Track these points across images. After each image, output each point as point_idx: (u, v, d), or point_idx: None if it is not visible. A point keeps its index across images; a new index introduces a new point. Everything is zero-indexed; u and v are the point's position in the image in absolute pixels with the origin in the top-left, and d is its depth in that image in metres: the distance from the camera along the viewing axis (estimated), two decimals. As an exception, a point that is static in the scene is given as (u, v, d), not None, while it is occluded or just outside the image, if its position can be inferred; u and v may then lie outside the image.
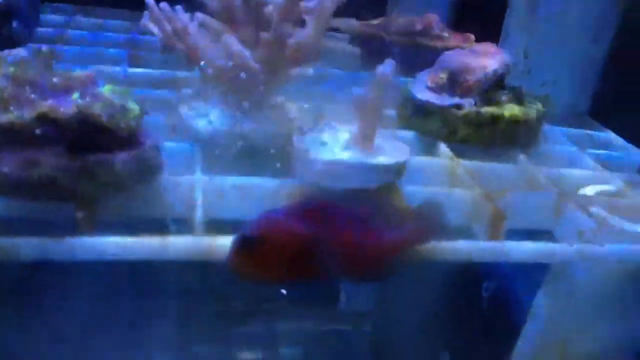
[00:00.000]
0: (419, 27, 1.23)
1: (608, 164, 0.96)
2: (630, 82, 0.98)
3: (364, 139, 0.78)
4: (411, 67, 1.03)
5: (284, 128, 0.82)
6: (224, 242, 0.67)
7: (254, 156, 0.81)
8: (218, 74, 0.81)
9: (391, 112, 0.98)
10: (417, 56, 1.21)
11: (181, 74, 1.08)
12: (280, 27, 0.77)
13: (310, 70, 0.81)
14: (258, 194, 0.76)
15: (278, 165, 0.80)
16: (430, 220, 0.71)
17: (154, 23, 0.84)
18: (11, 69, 0.64)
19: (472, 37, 1.26)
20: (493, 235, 0.76)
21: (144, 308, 0.97)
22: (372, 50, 1.19)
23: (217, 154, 0.81)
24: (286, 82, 0.82)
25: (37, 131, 0.61)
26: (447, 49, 1.20)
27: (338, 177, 0.75)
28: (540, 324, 0.93)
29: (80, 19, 1.33)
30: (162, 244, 0.68)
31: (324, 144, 0.78)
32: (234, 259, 0.62)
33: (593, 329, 0.89)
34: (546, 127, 1.03)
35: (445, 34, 1.25)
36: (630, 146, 1.06)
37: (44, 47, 0.71)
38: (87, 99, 0.65)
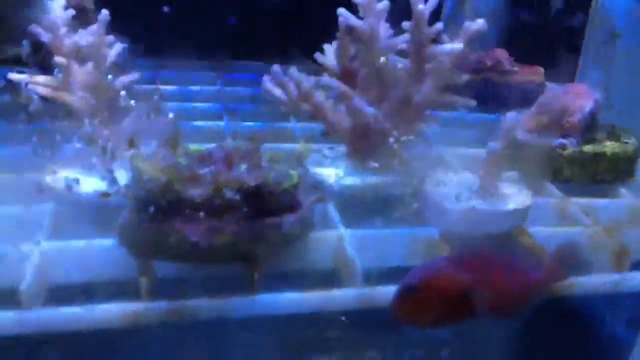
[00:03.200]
0: (489, 63, 1.30)
1: None
2: None
3: (491, 185, 0.84)
4: (485, 103, 1.09)
5: (410, 178, 0.87)
6: (384, 292, 0.73)
7: (385, 207, 0.87)
8: (346, 132, 0.88)
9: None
10: (489, 91, 1.28)
11: (278, 125, 1.14)
12: (410, 86, 0.83)
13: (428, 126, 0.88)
14: (399, 242, 0.82)
15: (409, 214, 0.85)
16: (569, 260, 0.77)
17: (279, 86, 0.90)
18: (188, 148, 0.70)
19: (541, 69, 1.32)
20: (619, 268, 0.81)
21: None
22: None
23: (350, 206, 0.86)
24: (409, 136, 0.88)
25: (228, 199, 0.67)
26: (518, 83, 1.27)
27: (473, 223, 0.81)
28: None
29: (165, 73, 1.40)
30: (328, 297, 0.73)
31: (452, 192, 0.84)
32: (398, 306, 0.67)
33: None
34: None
35: (515, 68, 1.31)
36: None
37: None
38: (257, 170, 0.71)
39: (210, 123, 1.11)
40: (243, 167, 0.72)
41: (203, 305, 0.70)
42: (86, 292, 0.72)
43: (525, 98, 1.31)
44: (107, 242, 0.72)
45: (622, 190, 0.97)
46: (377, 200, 0.87)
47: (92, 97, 0.82)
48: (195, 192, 0.67)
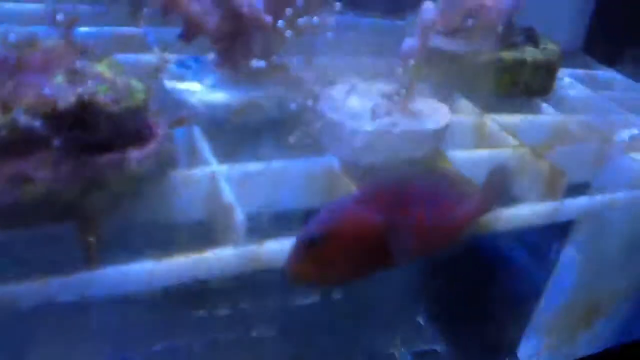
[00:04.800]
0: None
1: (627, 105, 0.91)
2: (621, 18, 0.93)
3: (402, 100, 0.66)
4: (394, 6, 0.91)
5: (297, 93, 0.67)
6: (274, 248, 0.54)
7: (268, 130, 0.66)
8: (212, 31, 0.65)
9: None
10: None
11: (125, 30, 0.88)
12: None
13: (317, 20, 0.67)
14: (290, 179, 0.62)
15: (299, 140, 0.66)
16: (500, 188, 0.62)
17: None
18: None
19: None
20: (553, 195, 0.68)
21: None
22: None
23: (222, 132, 0.65)
24: (296, 37, 0.67)
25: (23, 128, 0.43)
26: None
27: (382, 150, 0.63)
28: (572, 274, 0.89)
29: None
30: (199, 262, 0.53)
31: (354, 110, 0.65)
32: (297, 264, 0.50)
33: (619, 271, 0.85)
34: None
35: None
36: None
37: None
38: (83, 81, 0.47)
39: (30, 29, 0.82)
40: (59, 78, 0.48)
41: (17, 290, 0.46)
42: None
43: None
44: None
45: (543, 105, 0.84)
46: (257, 122, 0.66)
47: None
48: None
